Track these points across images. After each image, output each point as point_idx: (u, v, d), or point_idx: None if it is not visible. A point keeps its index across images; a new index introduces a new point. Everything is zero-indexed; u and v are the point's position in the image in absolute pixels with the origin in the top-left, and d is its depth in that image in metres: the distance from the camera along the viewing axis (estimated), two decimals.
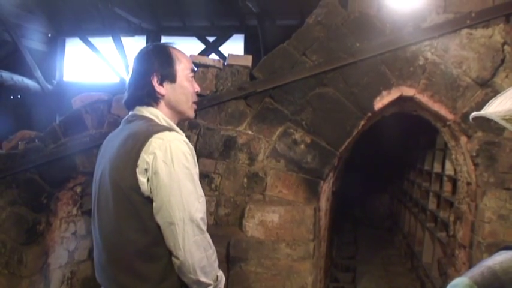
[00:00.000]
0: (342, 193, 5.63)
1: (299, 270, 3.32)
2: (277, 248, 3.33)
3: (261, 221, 3.38)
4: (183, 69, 1.84)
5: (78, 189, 3.74)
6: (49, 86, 9.34)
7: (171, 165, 1.59)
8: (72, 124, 3.64)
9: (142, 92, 1.79)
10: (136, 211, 1.63)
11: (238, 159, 3.55)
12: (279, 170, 3.50)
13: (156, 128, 1.68)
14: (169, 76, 1.80)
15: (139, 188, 1.61)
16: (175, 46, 1.90)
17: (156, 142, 1.62)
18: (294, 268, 3.32)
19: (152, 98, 1.79)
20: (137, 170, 1.61)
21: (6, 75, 8.11)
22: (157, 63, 1.79)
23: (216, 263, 1.74)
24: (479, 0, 3.30)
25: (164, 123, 1.77)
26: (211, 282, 1.68)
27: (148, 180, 1.61)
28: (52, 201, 3.58)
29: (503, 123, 1.12)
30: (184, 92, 1.84)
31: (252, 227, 3.38)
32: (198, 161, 3.48)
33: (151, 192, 1.61)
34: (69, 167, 3.55)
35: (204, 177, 3.55)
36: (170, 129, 1.71)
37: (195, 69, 1.94)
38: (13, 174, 3.54)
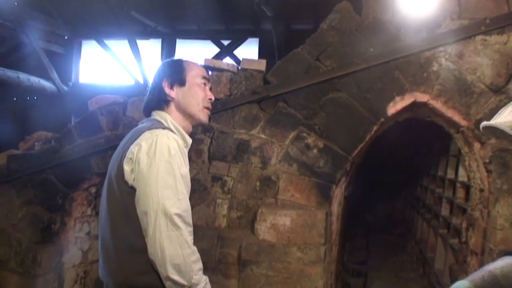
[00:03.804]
0: (354, 198, 5.62)
1: (310, 274, 3.32)
2: (288, 251, 3.34)
3: (273, 224, 3.39)
4: (193, 76, 1.96)
5: (93, 190, 3.79)
6: (65, 88, 9.43)
7: (153, 157, 1.66)
8: (88, 126, 3.70)
9: (155, 97, 1.94)
10: (121, 199, 1.72)
11: (251, 162, 3.57)
12: (292, 174, 3.51)
13: (153, 126, 1.78)
14: (178, 80, 1.93)
15: (124, 175, 1.69)
16: (187, 59, 2.04)
17: (145, 135, 1.72)
18: (305, 272, 3.32)
19: (163, 102, 1.92)
20: (124, 159, 1.70)
21: (23, 76, 8.23)
22: (169, 70, 1.96)
23: (197, 266, 1.68)
24: (494, 7, 3.28)
25: (171, 126, 1.86)
26: (185, 283, 1.62)
27: (132, 170, 1.69)
28: (67, 202, 3.64)
29: None
30: (193, 95, 1.94)
31: (264, 230, 3.40)
32: (211, 163, 3.54)
33: (134, 181, 1.68)
34: (84, 168, 3.61)
35: (217, 180, 3.58)
36: (165, 128, 1.80)
37: (208, 78, 2.02)
38: (29, 175, 3.61)
